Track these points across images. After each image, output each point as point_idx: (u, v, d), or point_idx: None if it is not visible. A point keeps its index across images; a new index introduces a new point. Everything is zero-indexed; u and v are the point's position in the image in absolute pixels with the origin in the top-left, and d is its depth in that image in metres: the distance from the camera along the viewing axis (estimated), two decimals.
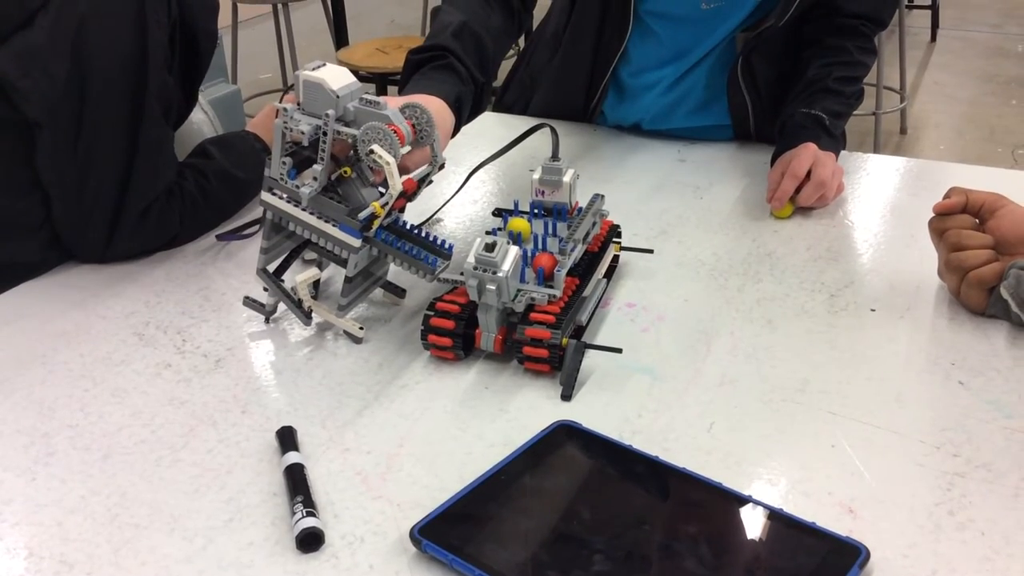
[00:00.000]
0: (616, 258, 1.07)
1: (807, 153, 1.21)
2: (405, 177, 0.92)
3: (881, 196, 1.28)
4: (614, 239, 1.05)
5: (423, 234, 0.95)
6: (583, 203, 1.00)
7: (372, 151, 0.89)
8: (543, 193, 0.99)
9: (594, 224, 1.00)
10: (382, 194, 0.94)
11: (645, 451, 0.78)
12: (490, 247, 0.86)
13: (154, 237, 1.13)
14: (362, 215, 0.91)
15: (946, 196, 1.01)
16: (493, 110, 1.60)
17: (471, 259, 0.87)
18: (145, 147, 1.08)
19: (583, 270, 0.96)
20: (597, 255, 1.00)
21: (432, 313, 0.91)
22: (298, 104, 0.92)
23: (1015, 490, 0.75)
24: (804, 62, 1.35)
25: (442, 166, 0.99)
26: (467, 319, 0.90)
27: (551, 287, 0.90)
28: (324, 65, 0.92)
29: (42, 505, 0.76)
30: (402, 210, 0.97)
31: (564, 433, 0.80)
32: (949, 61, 4.97)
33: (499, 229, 0.97)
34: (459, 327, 0.90)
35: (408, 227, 0.95)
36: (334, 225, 0.93)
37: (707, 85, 1.40)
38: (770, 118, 1.38)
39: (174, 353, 0.95)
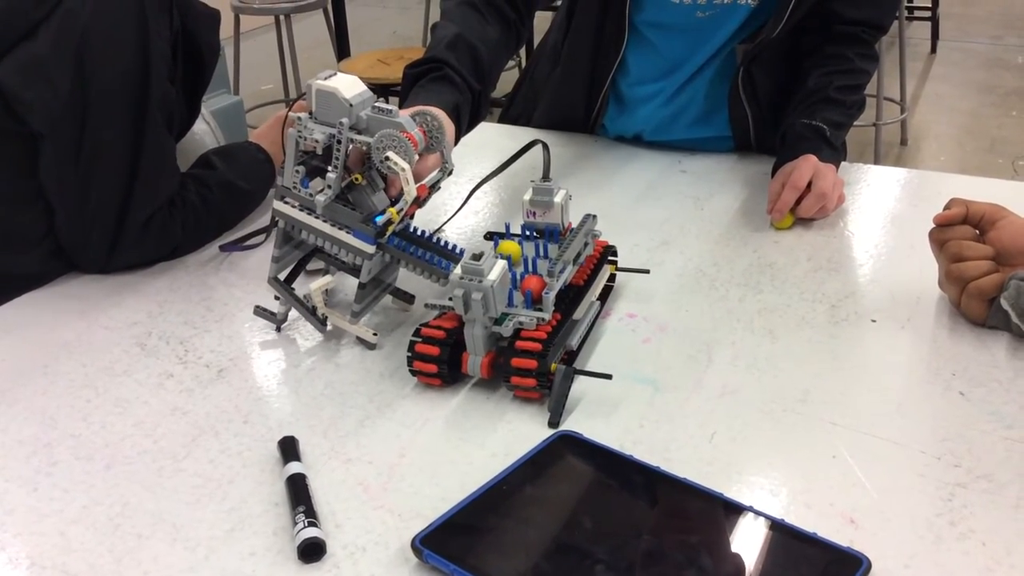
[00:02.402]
0: (612, 277, 1.06)
1: (808, 165, 1.22)
2: (418, 183, 0.92)
3: (882, 207, 1.29)
4: (610, 258, 1.04)
5: (434, 239, 0.95)
6: (577, 224, 0.99)
7: (387, 158, 0.89)
8: (534, 214, 0.97)
9: (586, 244, 0.98)
10: (393, 201, 0.94)
11: (646, 461, 0.78)
12: (477, 256, 0.85)
13: (156, 248, 1.13)
14: (379, 221, 0.91)
15: (946, 207, 1.01)
16: (499, 122, 1.61)
17: (457, 269, 0.86)
18: (147, 158, 1.09)
19: (571, 299, 0.93)
20: (589, 279, 0.98)
21: (418, 339, 0.89)
22: (310, 113, 0.93)
23: (1016, 501, 0.75)
24: (805, 71, 1.35)
25: (450, 172, 1.00)
26: (452, 345, 0.88)
27: (540, 310, 0.88)
28: (335, 74, 0.92)
29: (44, 515, 0.76)
30: (412, 216, 0.97)
31: (565, 443, 0.80)
32: (949, 72, 4.98)
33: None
34: (444, 353, 0.88)
35: (419, 232, 0.96)
36: (348, 232, 0.93)
37: (707, 96, 1.41)
38: (771, 129, 1.39)
39: (176, 363, 0.95)
